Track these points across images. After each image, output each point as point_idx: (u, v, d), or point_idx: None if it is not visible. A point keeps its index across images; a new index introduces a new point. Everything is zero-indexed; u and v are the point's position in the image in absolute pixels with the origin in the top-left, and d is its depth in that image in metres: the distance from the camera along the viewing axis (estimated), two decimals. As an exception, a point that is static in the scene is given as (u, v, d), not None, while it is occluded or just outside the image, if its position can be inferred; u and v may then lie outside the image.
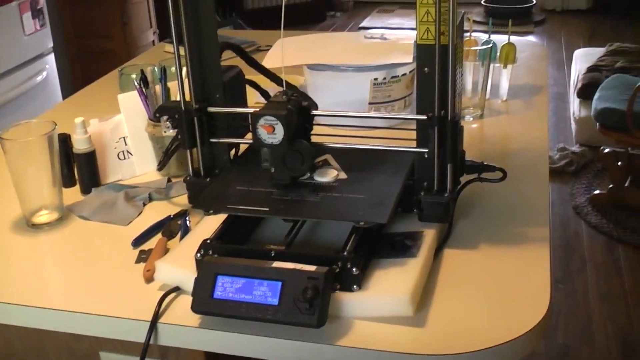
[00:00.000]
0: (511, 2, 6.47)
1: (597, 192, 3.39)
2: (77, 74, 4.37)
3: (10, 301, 1.05)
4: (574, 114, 3.99)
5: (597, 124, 3.19)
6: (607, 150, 3.31)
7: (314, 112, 1.16)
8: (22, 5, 3.27)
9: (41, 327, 1.07)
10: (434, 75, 1.07)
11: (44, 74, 3.48)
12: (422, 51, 1.09)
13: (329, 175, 1.14)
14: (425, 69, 1.09)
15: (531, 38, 5.87)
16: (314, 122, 1.19)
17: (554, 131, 4.10)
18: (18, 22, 3.25)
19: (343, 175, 1.14)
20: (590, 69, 3.99)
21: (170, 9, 1.13)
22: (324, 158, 1.19)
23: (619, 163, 3.27)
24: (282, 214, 1.08)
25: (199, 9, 1.16)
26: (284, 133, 1.07)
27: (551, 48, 5.63)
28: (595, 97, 3.31)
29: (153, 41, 4.58)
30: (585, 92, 3.77)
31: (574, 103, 4.01)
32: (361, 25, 6.61)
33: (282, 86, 1.19)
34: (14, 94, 3.21)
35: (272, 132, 1.08)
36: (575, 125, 3.95)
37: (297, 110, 1.11)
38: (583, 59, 4.30)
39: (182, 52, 1.17)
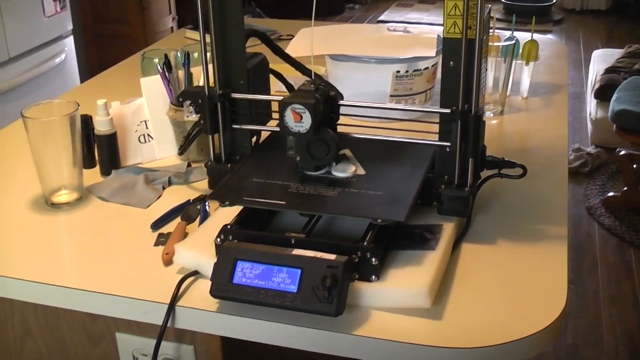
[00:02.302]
0: (531, 0, 6.45)
1: (611, 194, 3.38)
2: (94, 58, 4.38)
3: (28, 278, 1.06)
4: (590, 114, 3.98)
5: (614, 125, 3.18)
6: (622, 152, 3.30)
7: (341, 102, 1.16)
8: (44, -13, 3.28)
9: (58, 305, 1.08)
10: (459, 69, 1.07)
11: (63, 56, 3.49)
12: (449, 45, 1.08)
13: (347, 170, 1.14)
14: (451, 62, 1.09)
15: (550, 37, 5.85)
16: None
17: (569, 131, 4.07)
18: (39, 3, 3.27)
19: (361, 171, 1.14)
20: (608, 70, 3.97)
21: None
22: (342, 152, 1.19)
23: (634, 166, 3.26)
24: (298, 208, 1.07)
25: (226, -5, 1.16)
26: (311, 122, 1.08)
27: (569, 48, 5.60)
28: (613, 98, 3.30)
29: (172, 27, 4.59)
30: (603, 93, 3.76)
31: (591, 104, 4.00)
32: (379, 18, 6.60)
33: (306, 75, 1.20)
34: (32, 75, 3.23)
35: (299, 121, 1.08)
36: (592, 126, 3.93)
37: (325, 99, 1.12)
38: (601, 59, 4.29)
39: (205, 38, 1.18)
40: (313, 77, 1.17)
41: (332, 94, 1.15)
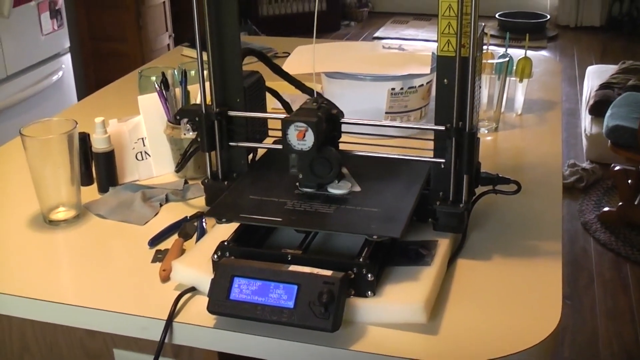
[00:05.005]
0: (525, 17, 6.50)
1: (606, 209, 3.39)
2: (91, 75, 4.40)
3: (26, 295, 1.07)
4: (585, 130, 4.00)
5: (609, 141, 3.19)
6: (617, 167, 3.32)
7: (343, 120, 1.17)
8: (41, 5, 3.30)
9: (56, 322, 1.08)
10: (454, 87, 1.08)
11: (60, 73, 3.50)
12: (443, 63, 1.10)
13: (343, 187, 1.15)
14: (445, 80, 1.10)
15: (544, 53, 5.88)
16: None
17: (564, 147, 4.10)
18: (36, 21, 3.29)
19: (357, 188, 1.15)
20: (603, 86, 3.99)
21: (195, 13, 1.15)
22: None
23: (629, 181, 3.27)
24: (294, 225, 1.08)
25: (223, 14, 1.17)
26: (314, 140, 1.08)
27: (564, 64, 5.64)
28: (607, 114, 3.31)
29: (168, 45, 4.61)
30: (597, 109, 3.78)
31: (586, 119, 4.02)
32: (375, 35, 6.64)
33: (305, 93, 1.21)
34: (30, 92, 3.24)
35: (302, 139, 1.09)
36: (586, 141, 3.95)
37: (327, 117, 1.13)
38: (595, 75, 4.31)
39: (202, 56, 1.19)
40: (315, 95, 1.19)
41: (334, 112, 1.16)
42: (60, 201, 1.27)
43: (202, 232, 1.21)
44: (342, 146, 1.19)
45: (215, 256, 1.04)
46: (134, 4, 4.26)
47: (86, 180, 1.39)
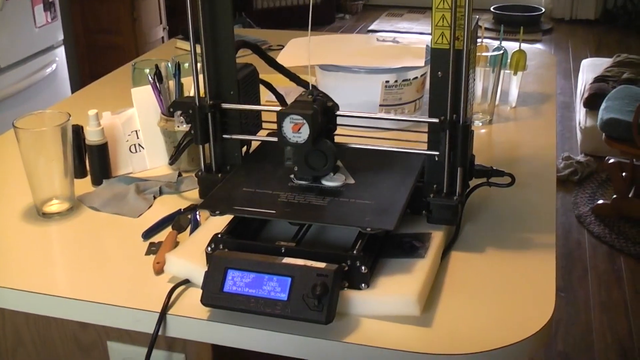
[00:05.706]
0: (520, 10, 6.50)
1: (600, 202, 3.39)
2: (85, 68, 4.38)
3: (19, 288, 1.07)
4: (579, 123, 4.00)
5: (603, 134, 3.20)
6: (611, 160, 3.32)
7: (338, 112, 1.17)
8: (35, -3, 3.29)
9: (50, 314, 1.08)
10: (447, 80, 1.08)
11: (54, 66, 3.49)
12: (437, 55, 1.10)
13: (337, 179, 1.14)
14: (439, 73, 1.10)
15: (539, 46, 5.87)
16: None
17: (559, 140, 4.11)
18: (30, 13, 3.27)
19: (351, 180, 1.15)
20: (597, 79, 4.00)
21: (189, 5, 1.15)
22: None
23: (624, 174, 3.28)
24: (288, 217, 1.08)
25: (216, 6, 1.17)
26: (309, 132, 1.08)
27: (558, 57, 5.64)
28: (602, 107, 3.32)
29: (162, 37, 4.60)
30: (592, 102, 3.78)
31: (580, 113, 4.02)
32: (370, 28, 6.63)
33: (300, 85, 1.20)
34: (23, 85, 3.23)
35: (297, 131, 1.09)
36: (581, 134, 3.96)
37: (323, 110, 1.12)
38: (590, 69, 4.32)
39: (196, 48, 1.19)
40: (311, 88, 1.18)
41: (330, 104, 1.16)
42: (54, 194, 1.27)
43: (196, 225, 1.20)
44: (335, 139, 1.19)
45: (209, 248, 1.04)
46: (128, -4, 4.26)
47: (80, 172, 1.38)
